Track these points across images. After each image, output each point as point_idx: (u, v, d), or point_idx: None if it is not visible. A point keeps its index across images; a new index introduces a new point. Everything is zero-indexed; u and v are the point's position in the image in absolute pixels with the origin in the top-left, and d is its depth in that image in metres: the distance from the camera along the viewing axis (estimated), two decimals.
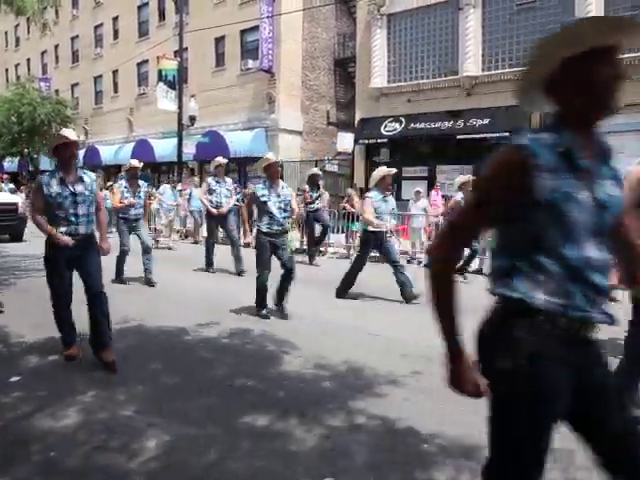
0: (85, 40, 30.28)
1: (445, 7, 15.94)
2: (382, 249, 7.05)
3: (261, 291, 5.90)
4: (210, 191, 8.85)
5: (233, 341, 4.91)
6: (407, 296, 6.69)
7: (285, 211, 5.90)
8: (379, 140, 16.95)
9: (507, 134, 14.24)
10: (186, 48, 20.48)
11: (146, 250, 7.68)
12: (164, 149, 22.98)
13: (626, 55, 12.69)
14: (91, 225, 4.27)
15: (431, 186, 15.98)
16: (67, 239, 4.03)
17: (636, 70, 12.51)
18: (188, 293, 7.13)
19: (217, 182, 8.88)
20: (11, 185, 21.90)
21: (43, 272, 4.29)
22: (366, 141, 17.40)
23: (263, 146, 20.37)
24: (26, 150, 29.02)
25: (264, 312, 5.82)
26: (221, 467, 2.70)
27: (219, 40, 22.14)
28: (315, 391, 3.73)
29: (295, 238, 11.66)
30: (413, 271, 10.19)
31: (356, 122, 18.07)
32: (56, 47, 32.33)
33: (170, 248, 12.62)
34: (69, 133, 4.20)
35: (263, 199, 5.80)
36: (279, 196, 5.85)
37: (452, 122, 15.37)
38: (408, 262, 11.10)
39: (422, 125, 15.96)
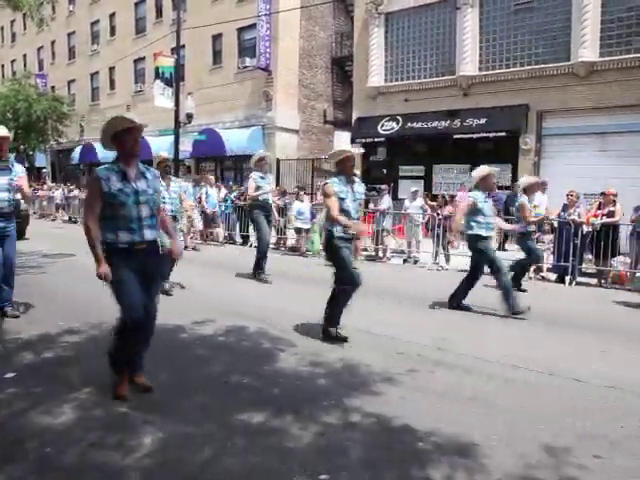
0: (82, 36, 30.16)
1: (443, 6, 15.94)
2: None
3: (341, 307, 5.12)
4: (257, 187, 8.14)
5: (229, 339, 4.91)
6: (511, 310, 6.08)
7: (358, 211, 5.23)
8: (376, 139, 16.95)
9: (504, 134, 14.30)
10: (183, 45, 20.42)
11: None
12: (161, 147, 22.91)
13: (630, 55, 12.76)
14: (155, 231, 3.52)
15: (428, 186, 16.04)
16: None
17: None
18: (184, 291, 7.12)
19: (262, 177, 8.21)
20: None
21: (39, 269, 4.26)
22: (363, 140, 17.37)
23: (259, 144, 20.32)
24: (22, 147, 28.89)
25: (335, 332, 5.02)
26: (216, 464, 2.70)
27: (216, 38, 22.09)
28: (310, 388, 3.74)
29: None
30: (408, 268, 10.26)
31: (353, 121, 18.08)
32: (52, 43, 32.23)
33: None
34: (133, 116, 3.48)
35: (341, 196, 4.95)
36: (354, 193, 5.05)
37: (449, 122, 15.39)
38: (405, 261, 11.14)
39: (419, 124, 15.98)
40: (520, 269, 7.84)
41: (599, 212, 8.89)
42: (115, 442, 2.88)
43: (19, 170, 5.55)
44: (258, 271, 8.15)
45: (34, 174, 30.67)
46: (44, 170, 30.53)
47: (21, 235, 12.53)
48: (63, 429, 3.02)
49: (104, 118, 25.16)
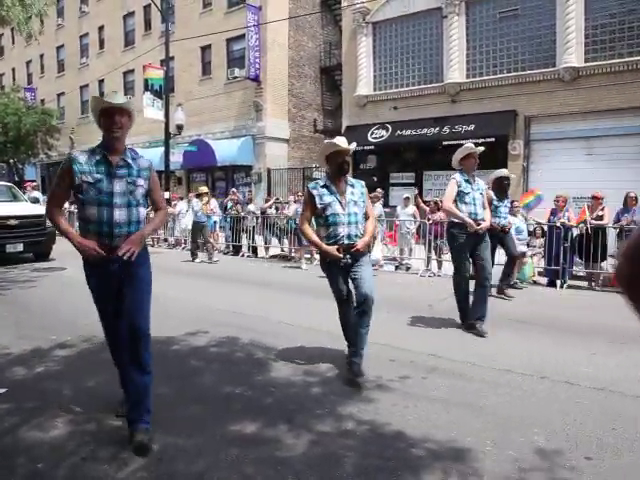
0: (71, 49, 30.18)
1: (429, 15, 16.13)
2: None
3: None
4: (460, 194, 5.64)
5: (222, 349, 4.90)
6: None
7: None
8: (366, 147, 17.04)
9: (492, 139, 14.42)
10: (172, 57, 20.50)
11: (362, 306, 4.06)
12: (151, 158, 22.84)
13: (614, 60, 12.94)
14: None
15: (418, 193, 16.10)
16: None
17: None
18: (178, 303, 7.10)
19: (467, 181, 5.69)
20: (35, 193, 17.01)
21: (30, 283, 4.25)
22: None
23: (250, 154, 20.41)
24: (11, 160, 28.76)
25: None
26: (210, 475, 2.69)
27: (205, 49, 22.19)
28: (304, 397, 3.74)
29: None
30: (400, 275, 10.29)
31: (343, 129, 18.17)
32: (41, 57, 32.22)
33: None
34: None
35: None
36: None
37: (438, 128, 15.53)
38: (396, 268, 11.17)
39: (408, 132, 16.10)
40: None
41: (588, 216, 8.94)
42: (108, 456, 2.87)
43: (143, 165, 3.23)
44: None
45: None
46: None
47: (45, 256, 11.42)
48: (55, 444, 3.00)
49: (94, 131, 24.96)
